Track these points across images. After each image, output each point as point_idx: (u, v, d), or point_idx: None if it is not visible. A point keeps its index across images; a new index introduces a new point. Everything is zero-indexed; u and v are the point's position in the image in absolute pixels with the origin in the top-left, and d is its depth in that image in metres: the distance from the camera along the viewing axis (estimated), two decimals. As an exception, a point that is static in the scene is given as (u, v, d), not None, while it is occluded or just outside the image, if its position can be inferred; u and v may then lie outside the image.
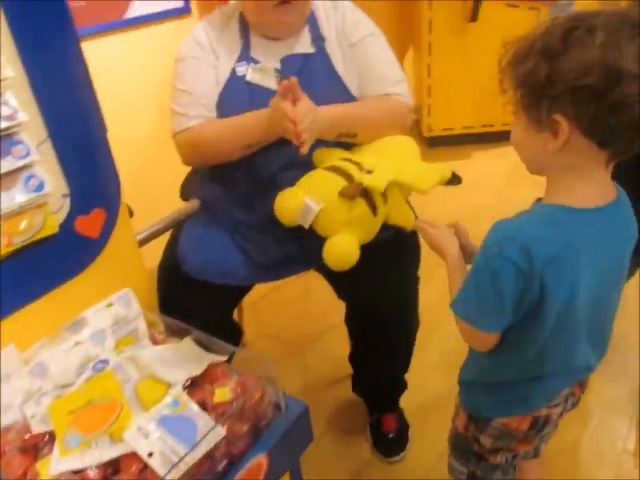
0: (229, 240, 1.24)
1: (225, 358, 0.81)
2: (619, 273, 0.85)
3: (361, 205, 1.08)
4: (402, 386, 1.48)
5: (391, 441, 1.46)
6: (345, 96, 1.21)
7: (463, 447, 1.03)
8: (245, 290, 1.36)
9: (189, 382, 0.77)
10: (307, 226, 1.10)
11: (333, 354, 1.83)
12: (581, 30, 0.66)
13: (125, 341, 0.87)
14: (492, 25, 2.84)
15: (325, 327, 1.96)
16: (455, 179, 1.15)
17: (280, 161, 1.18)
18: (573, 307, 0.80)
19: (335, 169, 1.11)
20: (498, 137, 3.23)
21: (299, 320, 2.03)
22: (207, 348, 0.83)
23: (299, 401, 0.80)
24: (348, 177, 1.09)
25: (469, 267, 0.86)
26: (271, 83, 1.18)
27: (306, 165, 1.17)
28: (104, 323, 0.86)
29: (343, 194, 1.06)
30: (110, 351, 0.84)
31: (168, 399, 0.74)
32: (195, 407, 0.73)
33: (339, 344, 1.83)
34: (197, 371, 0.78)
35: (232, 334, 1.41)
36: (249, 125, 1.15)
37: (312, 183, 1.12)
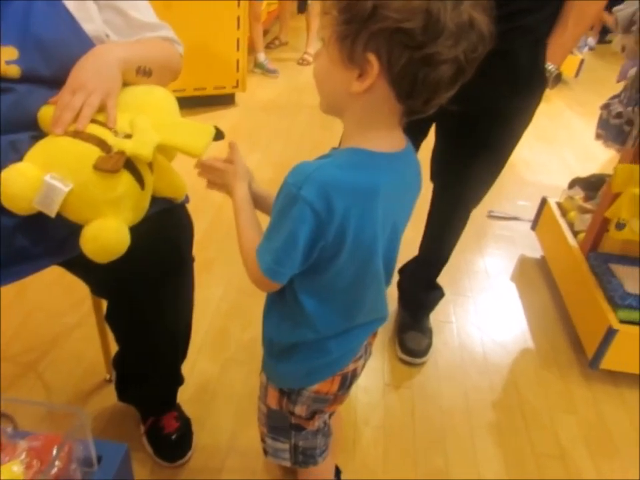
0: None
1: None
2: (406, 219, 0.87)
3: (126, 179, 0.86)
4: (181, 379, 1.32)
5: (174, 443, 1.29)
6: (79, 40, 0.95)
7: (279, 423, 0.98)
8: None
9: None
10: (53, 213, 0.83)
11: (76, 361, 1.55)
12: None
13: None
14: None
15: (56, 331, 1.64)
16: (218, 135, 0.99)
17: None
18: (374, 253, 0.79)
19: (81, 135, 0.86)
20: (210, 101, 3.19)
21: (19, 328, 1.64)
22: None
23: (116, 445, 0.60)
24: (102, 143, 0.85)
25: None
26: None
27: (28, 126, 0.89)
28: None
29: (101, 167, 0.82)
30: None
31: None
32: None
33: (80, 347, 1.59)
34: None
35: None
36: None
37: (51, 155, 0.85)
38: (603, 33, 5.12)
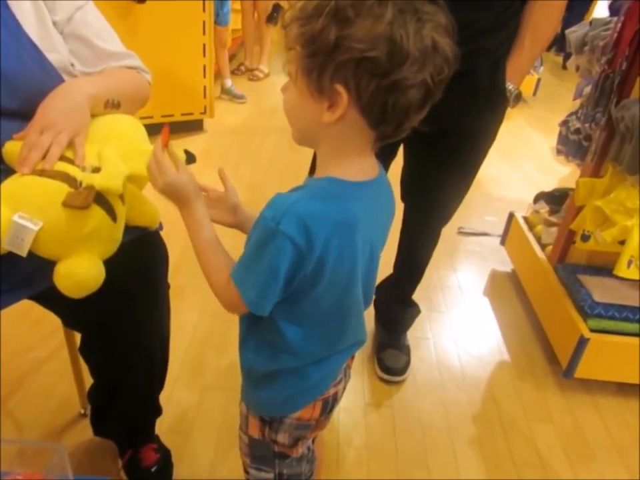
0: None
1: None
2: (383, 244, 0.88)
3: (97, 214, 0.85)
4: (159, 410, 1.30)
5: (154, 476, 1.26)
6: (44, 72, 0.94)
7: (262, 452, 0.96)
8: None
9: None
10: (24, 253, 0.81)
11: (47, 397, 1.51)
12: (372, 0, 0.64)
13: None
14: (159, 6, 2.75)
15: (26, 366, 1.60)
16: (189, 158, 0.97)
17: None
18: (354, 282, 0.80)
19: (48, 172, 0.85)
20: (178, 128, 3.19)
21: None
22: None
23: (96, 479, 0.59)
24: (70, 180, 0.84)
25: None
26: None
27: None
28: None
29: (70, 204, 0.81)
30: None
31: None
32: None
33: (51, 382, 1.55)
34: None
35: None
36: None
37: (18, 194, 0.83)
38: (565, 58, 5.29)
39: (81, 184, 0.84)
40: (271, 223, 0.69)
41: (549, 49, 4.98)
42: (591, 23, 1.85)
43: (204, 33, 2.97)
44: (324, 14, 0.64)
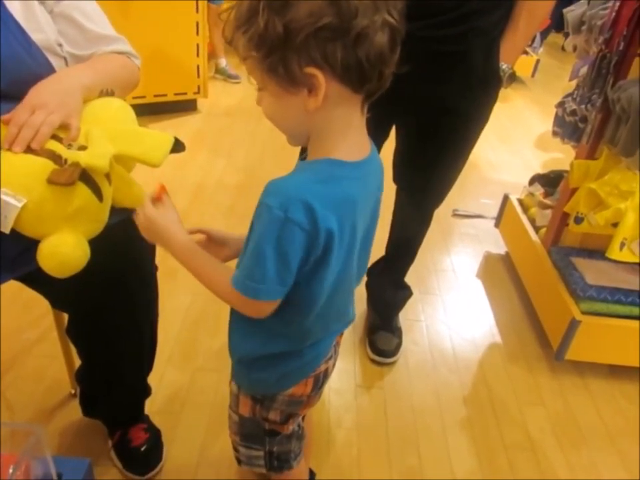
0: None
1: None
2: (375, 225, 0.87)
3: (83, 192, 0.84)
4: (148, 390, 1.30)
5: (143, 455, 1.27)
6: (29, 54, 0.92)
7: (253, 430, 0.97)
8: None
9: None
10: (7, 230, 0.80)
11: (38, 378, 1.51)
12: None
13: None
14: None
15: (16, 348, 1.60)
16: (179, 145, 0.97)
17: None
18: (351, 261, 0.79)
19: (33, 149, 0.83)
20: (171, 108, 3.15)
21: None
22: None
23: (77, 460, 0.59)
24: (55, 156, 0.83)
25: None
26: None
27: None
28: None
29: (55, 181, 0.80)
30: None
31: None
32: None
33: (42, 363, 1.55)
34: None
35: None
36: None
37: (2, 171, 0.82)
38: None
39: (66, 161, 0.83)
40: (278, 212, 0.67)
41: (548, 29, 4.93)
42: (589, 1, 1.82)
43: (197, 11, 2.92)
44: (260, 10, 0.63)
